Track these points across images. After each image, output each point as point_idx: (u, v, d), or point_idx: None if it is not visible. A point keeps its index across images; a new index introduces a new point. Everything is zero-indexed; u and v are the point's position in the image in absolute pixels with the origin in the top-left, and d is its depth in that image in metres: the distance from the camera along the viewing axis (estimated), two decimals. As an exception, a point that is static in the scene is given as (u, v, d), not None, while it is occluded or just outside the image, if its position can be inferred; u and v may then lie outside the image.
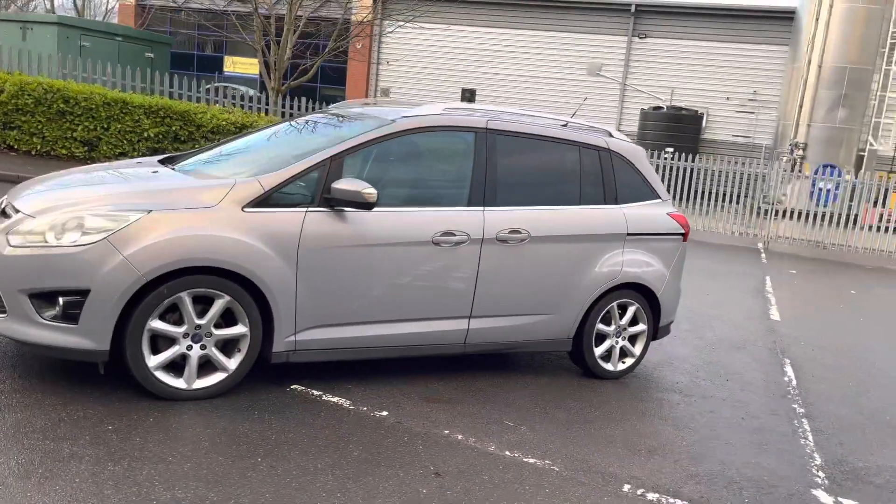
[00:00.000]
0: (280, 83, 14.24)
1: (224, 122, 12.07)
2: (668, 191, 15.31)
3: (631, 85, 24.18)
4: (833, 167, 19.03)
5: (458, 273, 4.47)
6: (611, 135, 5.33)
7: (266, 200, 3.92)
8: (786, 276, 11.57)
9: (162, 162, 4.79)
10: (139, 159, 5.00)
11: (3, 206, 3.99)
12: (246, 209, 3.86)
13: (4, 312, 3.64)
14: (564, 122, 5.20)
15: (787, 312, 8.62)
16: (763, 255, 13.69)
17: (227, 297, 3.80)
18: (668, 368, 5.71)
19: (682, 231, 5.43)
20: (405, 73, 25.63)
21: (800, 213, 15.43)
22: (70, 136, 11.73)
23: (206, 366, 3.90)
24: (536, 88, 25.04)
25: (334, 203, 4.04)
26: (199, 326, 3.79)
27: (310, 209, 4.01)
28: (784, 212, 15.56)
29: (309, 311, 4.04)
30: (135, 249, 3.57)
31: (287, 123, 5.19)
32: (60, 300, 3.55)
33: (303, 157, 4.16)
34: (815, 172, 17.00)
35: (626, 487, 3.59)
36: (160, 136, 11.95)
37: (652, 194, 5.38)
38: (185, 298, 3.72)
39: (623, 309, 5.21)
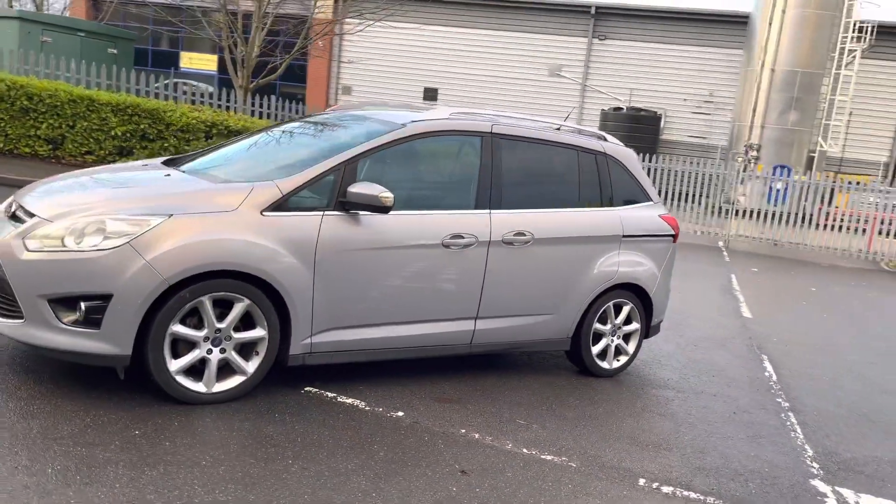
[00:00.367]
0: (248, 81, 14.10)
1: (194, 121, 11.91)
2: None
3: (591, 86, 24.57)
4: (785, 167, 19.67)
5: (466, 275, 4.56)
6: (605, 139, 5.48)
7: (284, 204, 3.95)
8: (749, 274, 11.95)
9: (166, 164, 4.77)
10: (144, 161, 4.96)
11: (13, 210, 3.94)
12: (265, 213, 3.88)
13: (21, 318, 3.60)
14: (557, 126, 5.33)
15: (756, 310, 8.93)
16: (725, 253, 14.10)
17: (247, 301, 3.82)
18: (657, 366, 5.89)
19: (673, 232, 5.62)
20: (367, 72, 25.57)
21: (756, 213, 15.92)
22: (34, 134, 11.45)
23: (225, 369, 3.91)
24: (498, 88, 25.25)
25: (350, 206, 4.08)
26: (218, 330, 3.80)
27: (326, 213, 4.05)
28: (742, 211, 16.03)
29: (325, 313, 4.08)
30: (157, 254, 3.57)
31: (290, 125, 5.20)
32: (82, 305, 3.52)
33: (316, 161, 4.20)
34: (770, 173, 17.55)
35: (642, 482, 3.73)
36: (128, 135, 11.74)
37: (644, 196, 5.56)
38: (206, 302, 3.73)
39: (618, 308, 5.37)
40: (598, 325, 5.27)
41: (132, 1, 24.11)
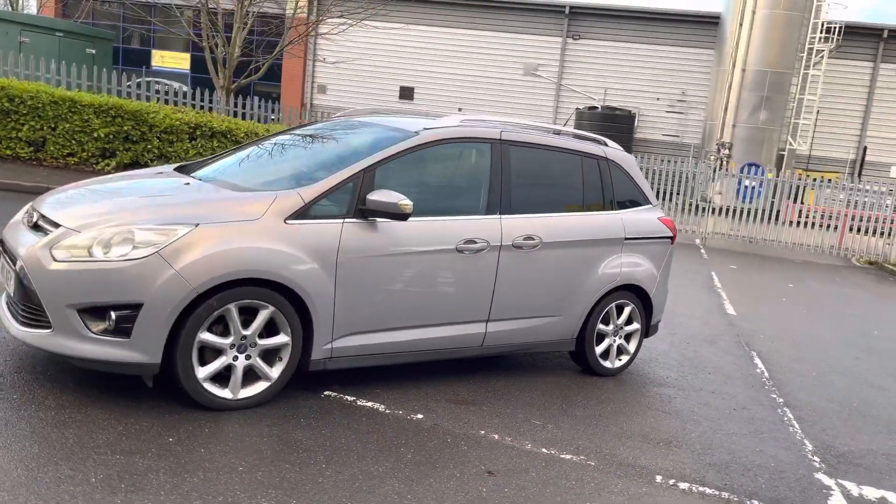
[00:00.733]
0: (230, 81, 14.03)
1: (178, 122, 11.85)
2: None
3: (566, 85, 24.81)
4: (756, 165, 20.10)
5: (479, 279, 4.66)
6: (606, 144, 5.62)
7: (306, 212, 4.01)
8: (728, 271, 12.23)
9: (178, 170, 4.80)
10: (158, 169, 4.98)
11: (34, 220, 3.94)
12: (288, 221, 3.94)
13: (49, 327, 3.62)
14: (557, 131, 5.45)
15: (739, 307, 9.17)
16: (703, 250, 14.40)
17: (272, 308, 3.88)
18: (655, 364, 6.06)
19: (671, 234, 5.78)
20: (342, 71, 25.53)
21: (729, 210, 16.26)
22: (15, 136, 11.30)
23: (248, 375, 3.96)
24: (474, 87, 25.39)
25: (369, 214, 4.16)
26: (244, 337, 3.86)
27: (346, 220, 4.12)
28: (717, 209, 16.36)
29: (345, 318, 4.16)
30: (186, 263, 3.62)
31: (299, 131, 5.26)
32: (112, 314, 3.56)
33: (332, 169, 4.27)
34: (741, 171, 17.93)
35: (659, 478, 3.87)
36: (111, 136, 11.63)
37: (644, 200, 5.71)
38: (233, 310, 3.78)
39: (620, 309, 5.52)
40: (601, 326, 5.41)
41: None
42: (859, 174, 23.91)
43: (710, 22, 24.04)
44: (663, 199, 16.13)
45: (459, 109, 25.08)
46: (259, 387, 3.98)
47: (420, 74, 25.77)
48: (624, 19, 24.67)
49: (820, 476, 4.24)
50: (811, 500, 3.90)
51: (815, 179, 16.79)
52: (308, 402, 4.16)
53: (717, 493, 3.81)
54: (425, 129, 4.59)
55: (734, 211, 16.18)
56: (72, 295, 3.56)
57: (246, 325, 3.86)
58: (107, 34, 17.88)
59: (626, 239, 5.43)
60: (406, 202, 4.11)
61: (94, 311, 3.59)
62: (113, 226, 3.68)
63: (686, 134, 24.57)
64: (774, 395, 5.68)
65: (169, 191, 4.22)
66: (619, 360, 5.59)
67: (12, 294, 3.78)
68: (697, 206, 16.28)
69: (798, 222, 16.15)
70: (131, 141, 11.80)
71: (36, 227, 3.89)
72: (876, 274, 14.37)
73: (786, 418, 5.19)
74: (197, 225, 3.72)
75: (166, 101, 14.11)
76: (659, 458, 4.15)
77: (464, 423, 4.22)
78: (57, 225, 3.77)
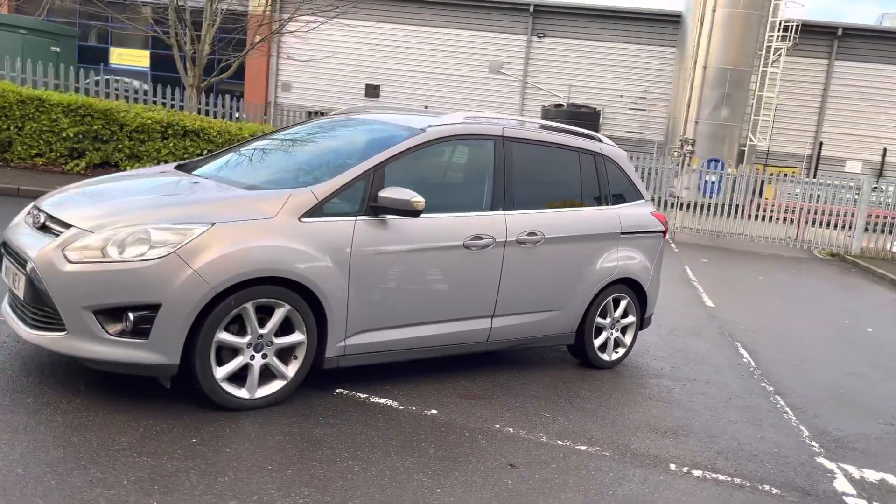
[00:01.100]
0: (200, 79, 13.82)
1: (148, 121, 11.64)
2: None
3: (531, 83, 25.00)
4: (718, 161, 20.51)
5: (485, 274, 4.70)
6: (601, 140, 5.71)
7: (319, 210, 4.00)
8: (700, 265, 12.47)
9: (179, 169, 4.75)
10: (161, 168, 4.91)
11: (41, 221, 3.86)
12: (302, 219, 3.93)
13: (64, 330, 3.56)
14: (554, 127, 5.51)
15: (716, 299, 9.37)
16: (673, 245, 14.64)
17: (288, 307, 3.86)
18: (647, 356, 6.17)
19: (663, 228, 5.90)
20: (307, 68, 25.31)
21: (697, 205, 16.58)
22: (-21, 137, 10.98)
23: (264, 374, 3.94)
24: (440, 85, 25.42)
25: (380, 211, 4.17)
26: (260, 336, 3.84)
27: (358, 217, 4.12)
28: (685, 204, 16.67)
29: (357, 316, 4.16)
30: (204, 262, 3.58)
31: (298, 130, 5.23)
32: (130, 315, 3.51)
33: (340, 166, 4.27)
34: (703, 166, 18.30)
35: (673, 466, 3.96)
36: (80, 136, 11.38)
37: (637, 195, 5.81)
38: (250, 309, 3.76)
39: (616, 302, 5.61)
40: (599, 320, 5.50)
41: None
42: (815, 169, 24.57)
43: (671, 21, 24.44)
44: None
45: (426, 107, 25.09)
46: (275, 386, 3.96)
47: (385, 72, 25.71)
48: (587, 17, 24.95)
49: (821, 460, 4.38)
50: (818, 483, 4.03)
51: (773, 174, 17.21)
52: (322, 400, 4.15)
53: (729, 479, 3.91)
54: (430, 126, 4.61)
55: (701, 206, 16.50)
56: (87, 296, 3.50)
57: (261, 324, 3.84)
58: (71, 31, 17.47)
59: (622, 233, 5.52)
60: (418, 199, 4.12)
61: (110, 313, 3.54)
62: (127, 226, 3.62)
63: (649, 131, 24.95)
64: (764, 384, 5.84)
65: (179, 190, 4.18)
66: (616, 352, 5.69)
67: (22, 297, 3.70)
68: (665, 202, 16.56)
69: (759, 216, 16.55)
70: (101, 140, 11.56)
71: (44, 229, 3.82)
72: (839, 265, 14.80)
73: (779, 406, 5.34)
74: (213, 224, 3.68)
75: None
76: (669, 446, 4.24)
77: (477, 417, 4.26)
78: (68, 225, 3.70)
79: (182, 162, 5.07)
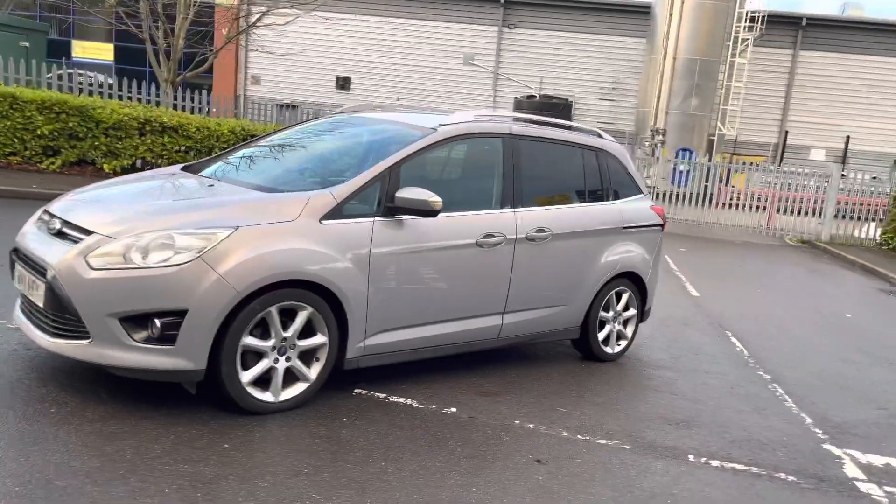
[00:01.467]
0: (175, 74, 13.60)
1: (125, 118, 11.44)
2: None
3: (503, 74, 25.05)
4: (689, 151, 20.80)
5: (497, 272, 4.74)
6: (601, 135, 5.78)
7: (338, 211, 4.00)
8: (680, 254, 12.67)
9: (186, 170, 4.70)
10: (170, 169, 4.84)
11: (56, 227, 3.80)
12: (323, 221, 3.93)
13: (88, 338, 3.52)
14: (557, 124, 5.56)
15: (700, 288, 9.55)
16: (651, 235, 14.82)
17: (311, 309, 3.86)
18: (645, 348, 6.28)
19: (661, 222, 6.00)
20: (276, 61, 25.04)
21: (671, 194, 16.82)
22: (-49, 135, 10.69)
23: (287, 377, 3.93)
24: (412, 77, 25.34)
25: (398, 211, 4.18)
26: (284, 339, 3.83)
27: (376, 218, 4.13)
28: (660, 193, 16.89)
29: (376, 316, 4.17)
30: (229, 267, 3.56)
31: (303, 129, 5.20)
32: (157, 322, 3.48)
33: (358, 167, 4.27)
34: (674, 156, 18.56)
35: (691, 457, 4.05)
36: (55, 134, 11.15)
37: (636, 189, 5.90)
38: (274, 312, 3.75)
39: (618, 296, 5.70)
40: (602, 313, 5.58)
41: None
42: (781, 157, 25.06)
43: (641, 12, 24.67)
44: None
45: (398, 99, 25.01)
46: (298, 388, 3.96)
47: (356, 64, 25.55)
48: (558, 9, 25.06)
49: (828, 447, 4.51)
50: (829, 469, 4.16)
51: (743, 163, 17.53)
52: (343, 401, 4.17)
53: (746, 468, 4.02)
54: (441, 125, 4.63)
55: (676, 195, 16.74)
56: (113, 304, 3.47)
57: (284, 327, 3.84)
58: (42, 26, 17.08)
59: (624, 228, 5.60)
60: (436, 199, 4.14)
61: (136, 319, 3.51)
62: (149, 231, 3.58)
63: (619, 121, 25.19)
64: (761, 373, 5.98)
65: (196, 193, 4.14)
66: (619, 345, 5.78)
67: (42, 305, 3.64)
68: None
69: (729, 204, 16.86)
70: (77, 138, 11.34)
71: (60, 235, 3.76)
72: (810, 252, 15.15)
73: (778, 394, 5.48)
74: (236, 228, 3.67)
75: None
76: (684, 438, 4.33)
77: (496, 414, 4.30)
78: (87, 231, 3.64)
79: (188, 163, 5.01)
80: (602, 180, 5.57)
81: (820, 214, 16.42)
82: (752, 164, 17.39)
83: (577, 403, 4.67)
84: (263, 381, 3.85)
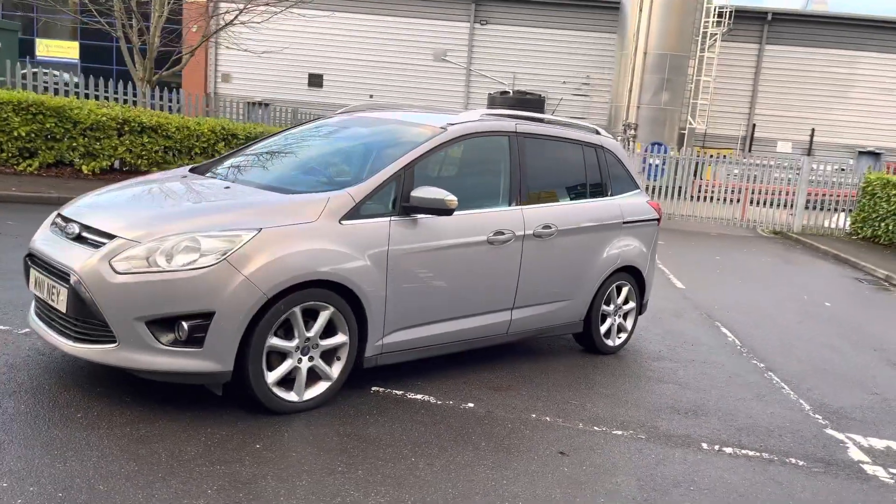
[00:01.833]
0: (151, 73, 13.43)
1: (103, 118, 11.29)
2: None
3: (476, 70, 25.12)
4: (661, 144, 21.09)
5: (506, 268, 4.82)
6: (599, 132, 5.88)
7: (356, 212, 4.04)
8: (659, 247, 12.84)
9: (194, 172, 4.70)
10: (180, 171, 4.82)
11: (75, 231, 3.78)
12: (342, 221, 3.96)
13: (114, 342, 3.51)
14: (557, 121, 5.66)
15: (684, 280, 9.74)
16: (629, 228, 15.03)
17: (332, 309, 3.90)
18: (642, 340, 6.40)
19: (658, 217, 6.13)
20: (247, 58, 24.80)
21: (647, 188, 17.08)
22: (-76, 137, 10.45)
23: (309, 377, 3.96)
24: (384, 73, 25.29)
25: (413, 210, 4.22)
26: (307, 339, 3.86)
27: (392, 217, 4.17)
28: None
29: (394, 315, 4.22)
30: (254, 268, 3.58)
31: (308, 129, 5.22)
32: (184, 325, 3.49)
33: (372, 167, 4.31)
34: (646, 150, 18.82)
35: (705, 445, 4.17)
36: (32, 135, 10.96)
37: (633, 185, 6.02)
38: (297, 313, 3.78)
39: (619, 290, 5.81)
40: (604, 307, 5.69)
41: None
42: (749, 149, 25.53)
43: (611, 7, 24.92)
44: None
45: (371, 96, 24.96)
46: (321, 387, 3.99)
47: (328, 61, 25.43)
48: (529, 4, 25.20)
49: (831, 432, 4.67)
50: (834, 454, 4.31)
51: (712, 156, 17.84)
52: (363, 400, 4.21)
53: (758, 454, 4.15)
54: (450, 124, 4.68)
55: (652, 189, 16.98)
56: (140, 308, 3.47)
57: (306, 327, 3.87)
58: (13, 25, 16.69)
59: (624, 223, 5.71)
60: (451, 198, 4.19)
61: (162, 322, 3.51)
62: (172, 234, 3.59)
63: (591, 116, 25.43)
64: (756, 362, 6.14)
65: (214, 195, 4.14)
66: (619, 337, 5.90)
67: (64, 310, 3.62)
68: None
69: (703, 197, 17.16)
70: (54, 139, 11.16)
71: (79, 239, 3.74)
72: (783, 243, 15.49)
73: (774, 382, 5.64)
74: (260, 230, 3.68)
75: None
76: (694, 426, 4.45)
77: (513, 408, 4.38)
78: (109, 235, 3.63)
79: (195, 165, 5.00)
80: (602, 176, 5.67)
81: (791, 206, 16.78)
82: (723, 156, 17.71)
83: (587, 396, 4.77)
84: (287, 382, 3.88)
